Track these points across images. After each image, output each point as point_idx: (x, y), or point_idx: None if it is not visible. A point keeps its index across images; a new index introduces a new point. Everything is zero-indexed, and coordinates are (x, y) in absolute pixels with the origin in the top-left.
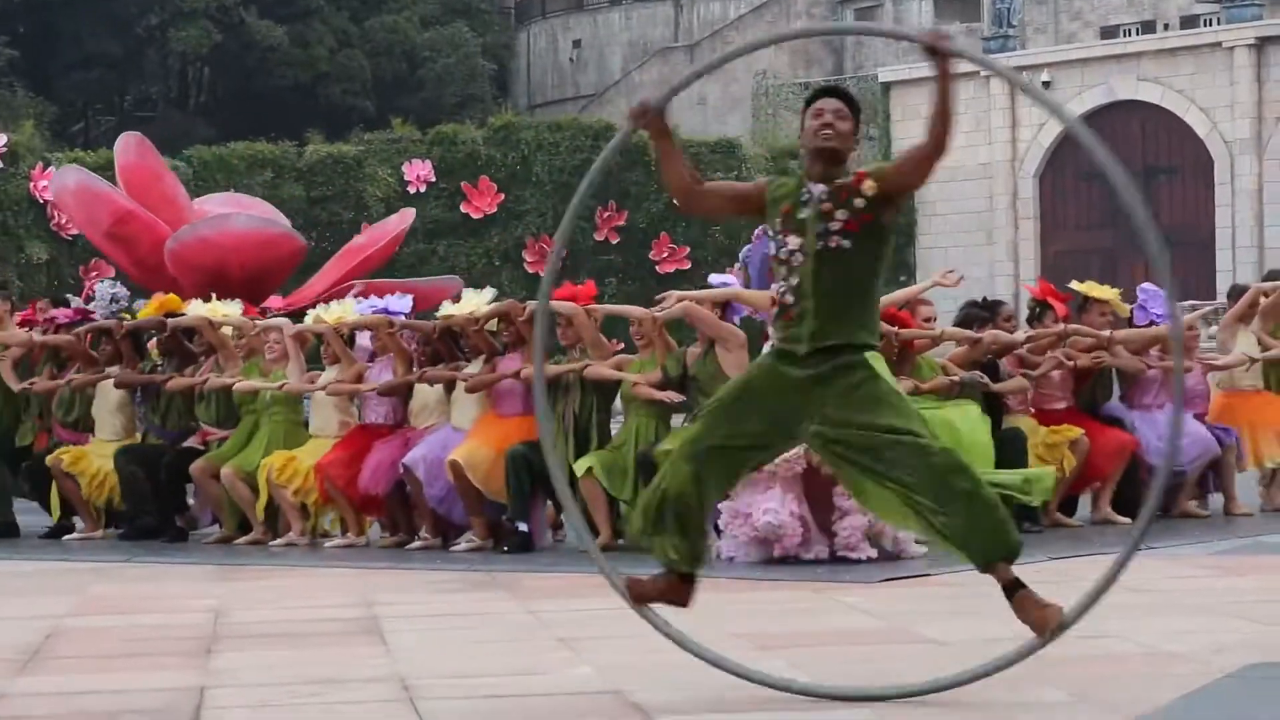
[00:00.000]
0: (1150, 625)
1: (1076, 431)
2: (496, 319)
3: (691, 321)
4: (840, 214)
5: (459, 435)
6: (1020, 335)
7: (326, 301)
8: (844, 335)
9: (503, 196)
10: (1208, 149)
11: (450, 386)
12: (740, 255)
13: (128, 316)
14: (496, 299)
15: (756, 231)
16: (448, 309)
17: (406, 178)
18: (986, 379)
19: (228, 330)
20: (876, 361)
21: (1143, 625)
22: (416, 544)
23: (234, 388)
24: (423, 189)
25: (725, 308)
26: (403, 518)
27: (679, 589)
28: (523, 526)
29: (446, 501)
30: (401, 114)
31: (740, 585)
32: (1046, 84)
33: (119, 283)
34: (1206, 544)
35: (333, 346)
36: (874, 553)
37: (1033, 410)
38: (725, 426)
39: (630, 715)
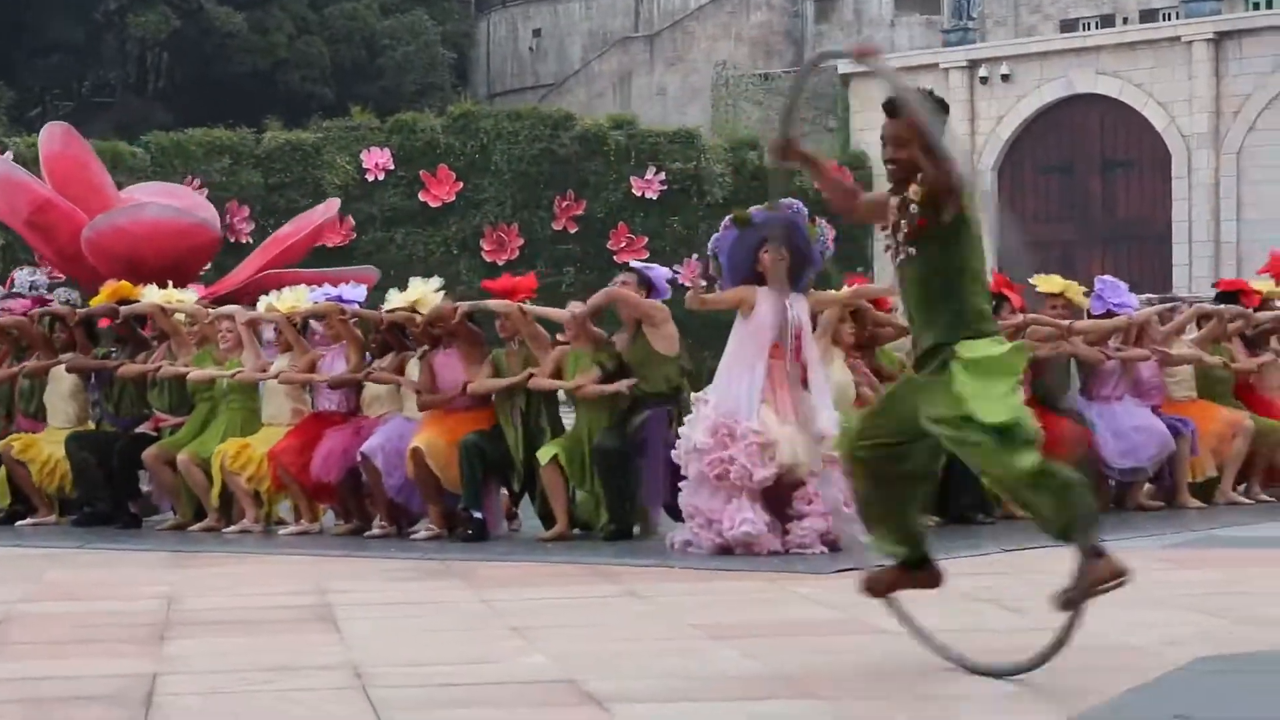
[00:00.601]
0: (1102, 617)
1: None
2: None
3: (617, 304)
4: (903, 224)
5: (412, 425)
6: None
7: (250, 290)
8: (937, 336)
9: (461, 185)
10: (1165, 143)
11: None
12: (709, 244)
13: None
14: (443, 288)
15: (725, 221)
16: (393, 299)
17: (365, 165)
18: None
19: (180, 317)
20: (968, 348)
21: (1094, 617)
22: (375, 531)
23: (188, 377)
24: (381, 177)
25: (650, 289)
26: (355, 506)
27: (911, 577)
28: (477, 515)
29: (405, 491)
30: (360, 101)
31: (696, 575)
32: (1006, 77)
33: (38, 270)
34: (1159, 537)
35: (285, 335)
36: (825, 548)
37: None
38: (873, 425)
39: (583, 704)
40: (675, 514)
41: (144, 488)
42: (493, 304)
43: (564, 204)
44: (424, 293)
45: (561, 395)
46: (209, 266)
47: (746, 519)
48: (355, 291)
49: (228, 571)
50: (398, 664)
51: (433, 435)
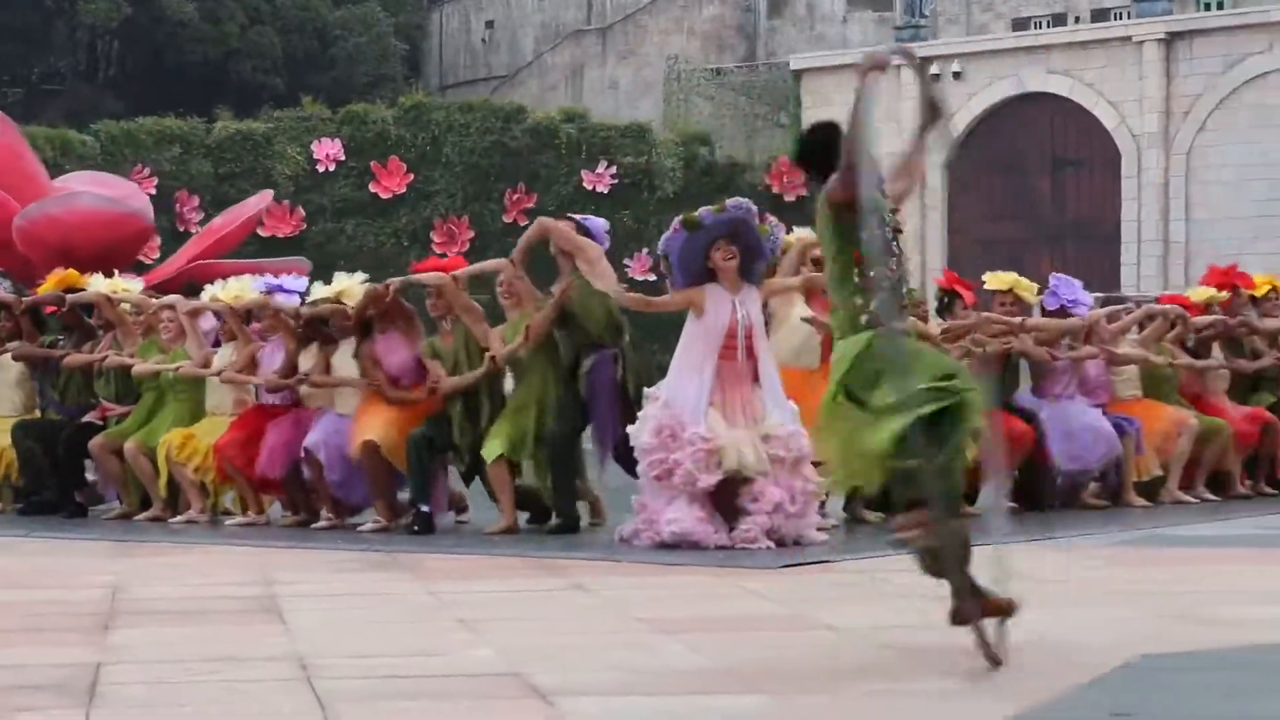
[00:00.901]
0: (1048, 615)
1: None
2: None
3: (550, 237)
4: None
5: (345, 421)
6: (934, 325)
7: (182, 280)
8: None
9: (412, 177)
10: (1115, 142)
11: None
12: (659, 245)
13: None
14: (368, 280)
15: (674, 223)
16: (319, 291)
17: (316, 156)
18: None
19: (125, 306)
20: None
21: (1041, 615)
22: (321, 523)
23: (133, 370)
24: (332, 168)
25: (588, 235)
26: (301, 499)
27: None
28: (424, 508)
29: (346, 486)
30: (312, 92)
31: (642, 570)
32: (958, 74)
33: None
34: (1105, 535)
35: (230, 325)
36: (772, 544)
37: None
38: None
39: (529, 697)
40: (626, 464)
41: (90, 477)
42: (424, 277)
43: (515, 197)
44: (348, 285)
45: (509, 386)
46: (157, 255)
47: (674, 519)
48: (297, 282)
49: (173, 561)
50: (343, 655)
51: (381, 425)
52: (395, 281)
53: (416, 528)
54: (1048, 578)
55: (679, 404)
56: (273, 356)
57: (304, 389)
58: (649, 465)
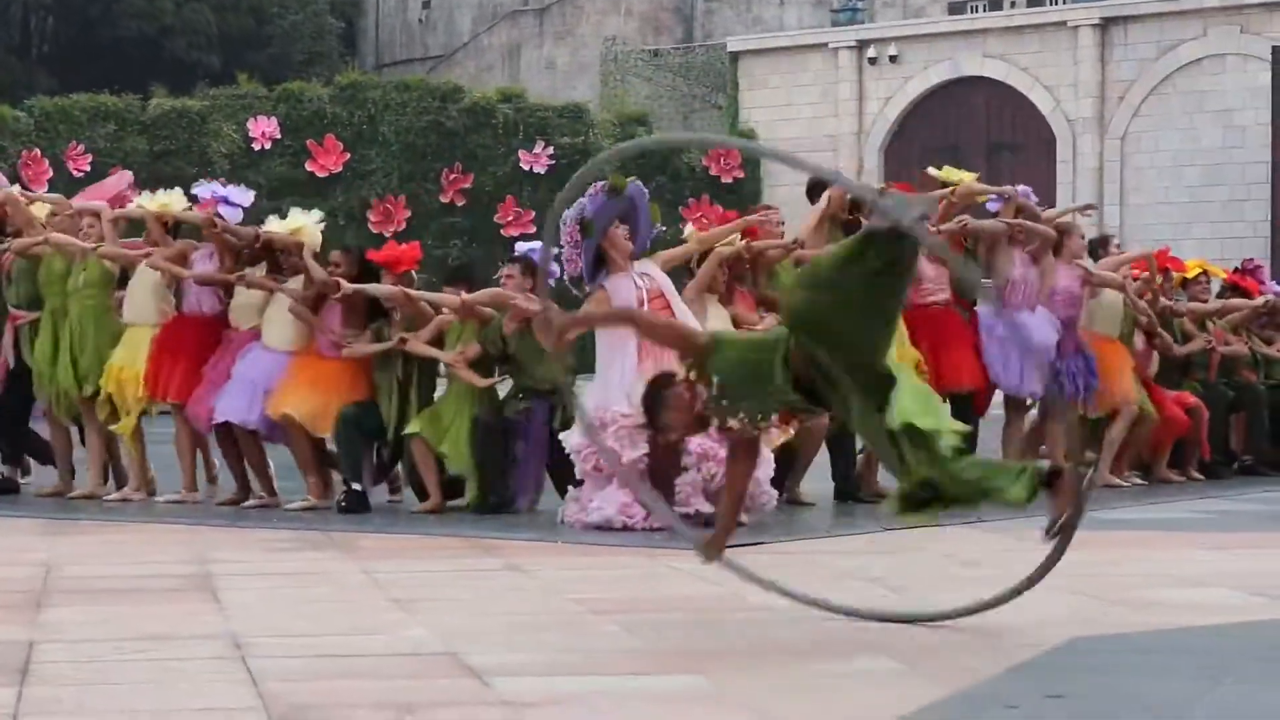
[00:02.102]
0: (980, 597)
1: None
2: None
3: (507, 308)
4: None
5: (270, 357)
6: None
7: None
8: None
9: (348, 155)
10: (1051, 127)
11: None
12: (585, 209)
13: None
14: (324, 220)
15: (596, 186)
16: (272, 225)
17: (251, 134)
18: None
19: (44, 209)
20: None
21: (974, 597)
22: (252, 502)
23: (50, 241)
24: (268, 146)
25: (537, 274)
26: (236, 471)
27: None
28: (356, 486)
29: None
30: (248, 69)
31: (578, 550)
32: (894, 58)
33: None
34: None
35: (152, 233)
36: (709, 508)
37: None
38: None
39: (464, 677)
40: (559, 481)
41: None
42: (376, 289)
43: (451, 176)
44: (304, 223)
45: (442, 369)
46: None
47: (599, 506)
48: (243, 195)
49: (107, 539)
50: (277, 634)
51: (300, 396)
52: (349, 288)
53: (344, 504)
54: (979, 560)
55: (606, 396)
56: (202, 264)
57: (237, 303)
58: (583, 461)
